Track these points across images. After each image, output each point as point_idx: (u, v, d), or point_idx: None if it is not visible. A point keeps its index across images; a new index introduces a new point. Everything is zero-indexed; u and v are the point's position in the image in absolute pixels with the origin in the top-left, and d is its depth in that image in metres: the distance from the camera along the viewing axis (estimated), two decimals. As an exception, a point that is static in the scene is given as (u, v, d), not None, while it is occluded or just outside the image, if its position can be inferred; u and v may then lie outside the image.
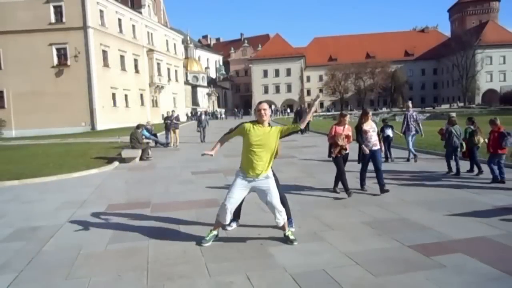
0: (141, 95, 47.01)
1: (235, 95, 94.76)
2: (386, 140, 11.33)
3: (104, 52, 39.20)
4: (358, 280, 3.78)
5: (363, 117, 7.60)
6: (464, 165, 9.42)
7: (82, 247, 5.04)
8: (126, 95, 42.88)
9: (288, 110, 70.84)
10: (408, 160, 11.50)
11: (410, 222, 5.55)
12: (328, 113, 68.44)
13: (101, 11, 38.95)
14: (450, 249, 4.46)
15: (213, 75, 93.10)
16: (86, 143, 21.39)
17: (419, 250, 4.44)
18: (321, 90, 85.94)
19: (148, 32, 49.63)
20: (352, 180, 8.06)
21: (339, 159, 7.32)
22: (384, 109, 67.39)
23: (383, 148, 7.62)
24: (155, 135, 19.18)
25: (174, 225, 5.87)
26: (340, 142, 7.18)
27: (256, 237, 5.13)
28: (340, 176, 7.32)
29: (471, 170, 9.15)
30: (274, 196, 4.76)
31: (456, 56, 72.16)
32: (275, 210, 4.76)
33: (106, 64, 39.27)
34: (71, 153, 16.35)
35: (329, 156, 7.53)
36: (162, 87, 51.53)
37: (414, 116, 11.67)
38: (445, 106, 70.42)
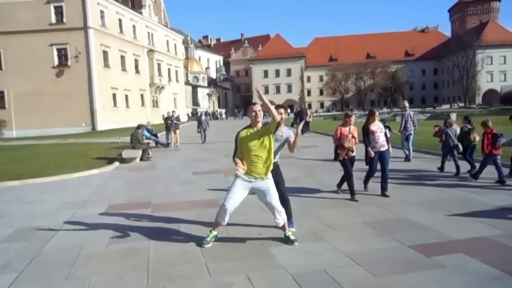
0: (142, 95, 47.04)
1: (236, 95, 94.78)
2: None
3: (105, 52, 39.22)
4: (358, 280, 3.78)
5: (370, 117, 7.38)
6: (465, 165, 9.43)
7: (83, 247, 5.05)
8: (126, 96, 42.91)
9: (289, 111, 70.86)
10: (409, 160, 11.50)
11: (411, 222, 5.56)
12: (328, 114, 68.45)
13: (101, 12, 38.98)
14: (451, 249, 4.46)
15: (213, 75, 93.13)
16: (86, 144, 21.40)
17: (419, 250, 4.44)
18: (321, 90, 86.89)
19: (148, 33, 49.66)
20: (356, 181, 7.95)
21: (347, 161, 7.11)
22: (385, 109, 67.31)
23: (391, 149, 7.39)
24: (155, 135, 19.19)
25: (175, 225, 5.87)
26: (347, 144, 6.97)
27: (257, 237, 5.13)
28: (347, 179, 7.13)
29: (470, 170, 9.14)
30: (274, 197, 4.76)
31: (456, 56, 72.14)
32: (275, 210, 4.76)
33: (106, 65, 39.29)
34: (72, 154, 16.37)
35: (335, 159, 7.30)
36: (163, 87, 51.56)
37: (412, 116, 11.83)
38: (445, 106, 70.39)
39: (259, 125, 4.72)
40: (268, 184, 4.76)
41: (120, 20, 42.63)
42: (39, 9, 35.66)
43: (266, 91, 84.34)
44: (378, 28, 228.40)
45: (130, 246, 5.04)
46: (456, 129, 9.86)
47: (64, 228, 6.00)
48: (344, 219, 5.88)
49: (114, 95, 40.37)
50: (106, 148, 17.79)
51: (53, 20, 36.41)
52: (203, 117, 21.56)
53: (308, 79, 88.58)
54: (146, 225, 5.97)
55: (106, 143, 20.46)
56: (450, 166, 9.84)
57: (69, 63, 36.64)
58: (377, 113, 7.46)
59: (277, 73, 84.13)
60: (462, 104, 69.57)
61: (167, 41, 55.87)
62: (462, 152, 9.32)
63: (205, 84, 79.40)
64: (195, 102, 72.08)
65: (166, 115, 20.60)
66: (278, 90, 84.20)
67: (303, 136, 21.04)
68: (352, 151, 7.06)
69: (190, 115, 59.94)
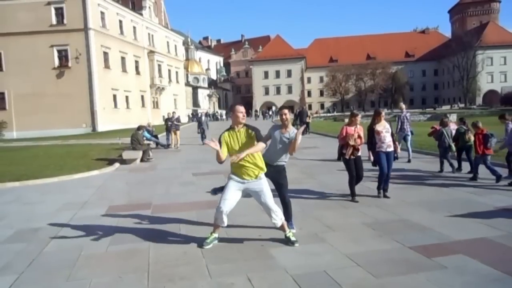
0: (142, 96, 47.08)
1: (236, 96, 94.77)
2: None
3: (105, 53, 39.26)
4: (359, 281, 3.78)
5: (376, 118, 7.19)
6: (465, 166, 9.43)
7: (83, 248, 5.05)
8: (127, 97, 42.94)
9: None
10: (409, 161, 11.49)
11: (411, 223, 5.55)
12: (328, 114, 68.45)
13: (102, 13, 39.03)
14: (451, 250, 4.46)
15: (213, 76, 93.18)
16: (87, 145, 21.41)
17: (420, 251, 4.44)
18: (321, 91, 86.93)
19: (149, 34, 49.71)
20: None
21: (351, 162, 6.92)
22: (385, 110, 67.24)
23: (399, 150, 7.22)
24: (156, 136, 19.20)
25: (175, 226, 5.87)
26: (352, 142, 6.80)
27: (257, 238, 5.13)
28: (349, 179, 7.02)
29: (471, 171, 9.14)
30: (268, 197, 4.76)
31: (456, 57, 72.14)
32: (270, 211, 4.77)
33: (107, 66, 39.33)
34: (72, 155, 16.38)
35: (339, 158, 7.13)
36: (163, 88, 51.59)
37: (408, 117, 11.98)
38: (446, 107, 70.41)
39: (240, 126, 4.70)
40: (262, 185, 4.75)
41: (120, 21, 42.68)
42: (39, 11, 35.71)
43: (267, 92, 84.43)
44: (378, 29, 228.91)
45: (131, 247, 5.04)
46: (452, 129, 10.00)
47: (64, 229, 6.00)
48: (344, 220, 5.88)
49: (114, 96, 40.40)
50: (106, 149, 17.80)
51: (54, 21, 36.46)
52: (203, 118, 21.56)
53: (309, 80, 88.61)
54: (147, 226, 5.98)
55: (106, 144, 20.47)
56: (449, 167, 9.87)
57: (69, 64, 36.67)
58: (383, 113, 7.27)
59: (278, 74, 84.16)
60: (462, 105, 69.54)
61: (168, 42, 55.93)
62: (458, 152, 9.69)
63: (206, 85, 79.45)
64: (195, 103, 72.11)
65: (166, 116, 20.61)
66: (278, 91, 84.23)
67: (303, 137, 21.01)
68: (358, 150, 6.91)
69: (191, 116, 59.96)
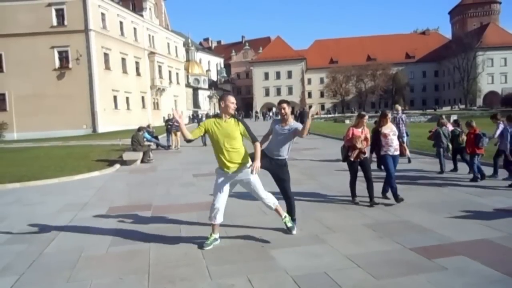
0: (143, 97, 47.12)
1: (236, 97, 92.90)
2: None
3: (106, 55, 39.30)
4: (359, 282, 3.78)
5: (382, 120, 6.95)
6: (465, 167, 9.42)
7: (84, 249, 5.05)
8: (127, 98, 42.98)
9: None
10: (409, 161, 11.49)
11: (411, 225, 5.55)
12: (329, 116, 68.48)
13: (102, 14, 39.08)
14: (452, 251, 4.46)
15: (214, 77, 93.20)
16: (87, 146, 21.42)
17: (420, 253, 4.43)
18: (322, 93, 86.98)
19: (149, 35, 49.76)
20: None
21: (355, 165, 6.76)
22: (396, 113, 67.29)
23: (408, 153, 7.04)
24: (156, 137, 19.21)
25: (175, 227, 5.87)
26: (359, 145, 6.59)
27: (257, 239, 5.13)
28: (350, 181, 6.88)
29: (470, 172, 9.19)
30: (257, 186, 4.80)
31: (457, 58, 72.19)
32: (262, 199, 4.85)
33: (107, 67, 39.37)
34: (73, 156, 16.39)
35: (344, 160, 6.92)
36: (163, 89, 51.63)
37: (403, 119, 11.99)
38: (446, 108, 70.43)
39: (229, 116, 4.72)
40: (249, 174, 4.74)
41: (121, 23, 42.73)
42: (40, 12, 35.76)
43: (267, 93, 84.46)
44: (379, 30, 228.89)
45: (131, 248, 5.04)
46: (449, 129, 10.14)
47: (65, 230, 6.00)
48: (345, 221, 5.88)
49: (115, 97, 40.43)
50: (107, 150, 17.81)
51: (54, 22, 36.51)
52: (203, 119, 21.57)
53: (309, 81, 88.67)
54: (147, 227, 5.97)
55: (107, 145, 20.49)
56: (450, 167, 9.87)
57: (70, 65, 36.71)
58: (389, 115, 7.05)
59: (278, 75, 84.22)
60: (463, 106, 69.58)
61: (168, 43, 55.98)
62: (453, 154, 9.88)
63: (206, 86, 79.48)
64: (196, 104, 72.12)
65: (166, 118, 20.62)
66: (278, 92, 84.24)
67: (304, 138, 21.02)
68: (364, 153, 6.73)
69: (191, 117, 59.97)
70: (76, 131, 34.60)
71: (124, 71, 43.03)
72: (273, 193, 5.22)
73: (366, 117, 6.91)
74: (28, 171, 12.32)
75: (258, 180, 4.86)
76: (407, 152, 7.09)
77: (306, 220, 5.85)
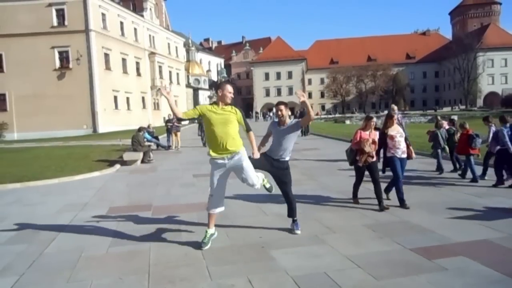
0: (143, 98, 47.13)
1: (237, 98, 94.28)
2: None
3: (106, 55, 39.32)
4: (359, 283, 3.78)
5: (388, 121, 6.73)
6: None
7: (84, 249, 5.05)
8: (127, 98, 42.99)
9: (289, 113, 70.79)
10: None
11: (412, 225, 5.55)
12: (329, 116, 68.44)
13: (103, 14, 39.10)
14: (452, 252, 4.46)
15: (214, 78, 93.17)
16: (87, 146, 21.44)
17: (420, 253, 4.43)
18: (322, 93, 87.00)
19: (149, 35, 49.77)
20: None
21: (362, 168, 6.62)
22: (386, 112, 67.37)
23: (413, 155, 6.85)
24: (156, 138, 19.22)
25: (176, 227, 5.88)
26: (367, 149, 6.39)
27: (258, 240, 5.13)
28: (355, 183, 6.80)
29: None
30: (249, 173, 4.79)
31: (457, 59, 72.15)
32: (253, 185, 4.89)
33: (108, 67, 39.38)
34: (73, 156, 16.39)
35: (351, 164, 6.77)
36: (164, 90, 51.58)
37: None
38: (446, 109, 70.40)
39: (224, 104, 4.73)
40: (242, 161, 4.74)
41: (121, 23, 42.75)
42: (40, 12, 35.78)
43: (267, 94, 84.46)
44: (379, 31, 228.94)
45: (131, 248, 5.04)
46: (445, 129, 10.33)
47: (65, 231, 6.00)
48: (345, 221, 5.88)
49: (115, 98, 40.44)
50: (107, 151, 17.82)
51: (55, 22, 36.52)
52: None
53: (309, 81, 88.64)
54: (147, 227, 5.97)
55: (107, 146, 20.50)
56: (449, 167, 9.87)
57: (70, 65, 36.71)
58: (395, 116, 6.78)
59: (278, 75, 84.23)
60: (463, 107, 69.57)
61: (169, 43, 55.99)
62: (450, 154, 10.07)
63: (206, 86, 79.49)
64: (196, 104, 72.00)
65: (167, 118, 20.63)
66: (279, 92, 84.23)
67: (303, 139, 21.06)
68: (372, 156, 6.51)
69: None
70: (76, 131, 34.61)
71: (125, 71, 43.04)
72: (274, 197, 5.22)
73: (374, 119, 6.72)
74: (28, 171, 12.32)
75: (250, 166, 4.84)
76: (413, 155, 6.91)
77: (306, 221, 5.85)
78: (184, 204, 7.45)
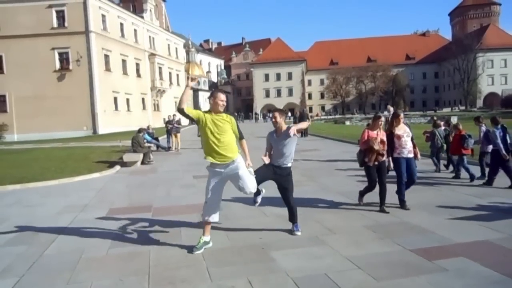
0: (143, 99, 47.13)
1: (237, 99, 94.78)
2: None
3: (106, 56, 39.34)
4: (360, 284, 3.78)
5: (395, 120, 6.57)
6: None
7: (84, 251, 5.05)
8: (127, 99, 42.99)
9: (289, 114, 70.97)
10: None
11: (412, 226, 5.55)
12: (329, 117, 68.47)
13: (103, 16, 39.13)
14: (452, 253, 4.45)
15: (214, 79, 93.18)
16: (87, 147, 21.43)
17: (421, 254, 4.43)
18: (322, 94, 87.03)
19: (149, 37, 49.80)
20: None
21: (373, 170, 6.37)
22: (386, 113, 67.32)
23: (419, 155, 6.75)
24: (156, 139, 19.22)
25: (176, 229, 5.87)
26: (376, 146, 6.20)
27: (258, 241, 5.13)
28: (367, 186, 6.53)
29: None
30: (246, 181, 4.76)
31: (457, 60, 72.23)
32: (247, 193, 4.89)
33: (108, 68, 39.40)
34: (73, 157, 16.39)
35: (362, 165, 6.58)
36: (164, 91, 51.66)
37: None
38: (446, 110, 70.47)
39: (218, 113, 4.73)
40: (238, 169, 4.73)
41: (121, 24, 42.78)
42: (40, 13, 35.80)
43: (267, 95, 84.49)
44: (379, 32, 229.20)
45: (131, 250, 5.04)
46: (443, 129, 10.55)
47: (65, 232, 6.00)
48: (345, 222, 5.87)
49: (115, 99, 40.45)
50: (107, 152, 17.82)
51: (55, 24, 36.55)
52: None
53: (309, 82, 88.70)
54: (147, 229, 5.98)
55: (107, 147, 20.49)
56: (449, 168, 9.90)
57: (70, 67, 36.73)
58: (402, 115, 6.64)
59: (278, 76, 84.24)
60: (463, 108, 69.60)
61: (168, 45, 56.03)
62: (447, 152, 10.27)
63: (206, 87, 79.45)
64: (196, 105, 71.99)
65: (167, 119, 20.63)
66: (279, 93, 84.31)
67: (303, 140, 21.07)
68: (382, 155, 6.31)
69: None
70: (76, 133, 34.61)
71: (125, 72, 43.06)
72: (274, 199, 5.22)
73: (382, 118, 6.57)
74: (28, 172, 12.32)
75: (247, 174, 4.82)
76: (419, 155, 6.80)
77: (306, 222, 5.84)
78: (184, 205, 7.45)
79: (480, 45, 71.61)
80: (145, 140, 15.47)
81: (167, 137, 19.66)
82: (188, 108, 4.72)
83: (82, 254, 4.94)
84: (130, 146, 14.99)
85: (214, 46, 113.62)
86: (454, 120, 26.13)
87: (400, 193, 6.55)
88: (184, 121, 49.04)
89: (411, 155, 6.51)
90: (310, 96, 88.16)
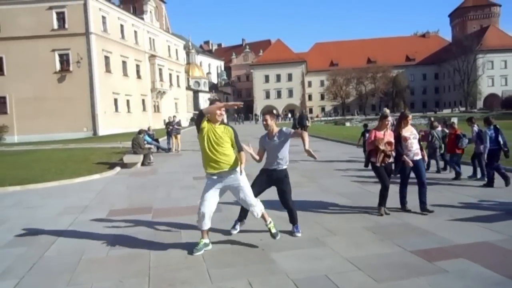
0: (143, 100, 47.15)
1: (237, 100, 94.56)
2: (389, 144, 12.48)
3: (106, 57, 39.36)
4: (360, 285, 3.77)
5: (402, 121, 6.42)
6: (467, 170, 9.42)
7: (84, 252, 5.05)
8: (128, 101, 43.00)
9: (289, 115, 70.99)
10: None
11: (412, 227, 5.54)
12: (329, 118, 68.47)
13: (103, 17, 39.16)
14: (453, 254, 4.45)
15: (214, 80, 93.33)
16: (88, 149, 21.43)
17: (421, 256, 4.43)
18: (322, 95, 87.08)
19: (150, 38, 49.85)
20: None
21: (382, 170, 6.21)
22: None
23: (426, 157, 6.62)
24: (156, 140, 19.22)
25: (176, 230, 5.87)
26: (382, 147, 6.10)
27: (258, 242, 5.12)
28: (381, 189, 6.31)
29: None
30: (247, 193, 4.74)
31: (457, 61, 72.28)
32: (250, 205, 4.78)
33: (108, 70, 39.42)
34: (73, 159, 16.39)
35: (367, 165, 6.49)
36: (164, 92, 51.67)
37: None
38: (446, 111, 70.43)
39: (218, 123, 4.70)
40: (239, 180, 4.72)
41: (121, 26, 42.82)
42: (41, 15, 35.82)
43: (267, 96, 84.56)
44: (379, 33, 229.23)
45: (131, 251, 5.03)
46: (440, 130, 10.65)
47: (65, 234, 6.00)
48: (345, 224, 5.87)
49: (115, 100, 40.46)
50: (107, 153, 17.82)
51: (55, 25, 36.57)
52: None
53: (309, 83, 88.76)
54: (147, 230, 5.97)
55: (107, 148, 20.49)
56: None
57: (71, 68, 36.74)
58: (410, 116, 6.47)
59: (278, 78, 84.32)
60: (463, 109, 69.61)
61: (169, 46, 56.07)
62: (443, 154, 10.44)
63: (206, 89, 79.58)
64: (196, 107, 72.16)
65: (167, 120, 20.64)
66: (279, 95, 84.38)
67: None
68: (389, 156, 6.22)
69: (191, 120, 59.97)
70: (76, 134, 34.63)
71: (125, 74, 43.08)
72: (274, 201, 5.22)
73: (389, 118, 6.43)
74: (28, 174, 12.32)
75: (248, 186, 4.81)
76: (425, 158, 6.74)
77: (307, 223, 5.85)
78: (185, 207, 7.45)
79: (480, 46, 71.64)
80: (145, 142, 15.47)
81: (167, 139, 19.66)
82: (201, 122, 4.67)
83: (82, 255, 4.94)
84: (130, 147, 14.99)
85: (214, 47, 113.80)
86: (455, 121, 26.25)
87: (401, 194, 6.53)
88: (185, 123, 49.19)
89: (417, 158, 6.32)
90: (310, 98, 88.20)
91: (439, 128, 10.59)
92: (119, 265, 4.60)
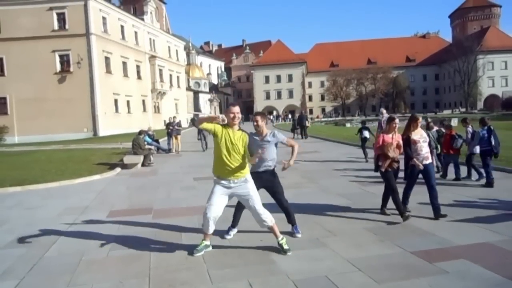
0: (143, 101, 47.17)
1: (237, 101, 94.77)
2: (364, 141, 13.20)
3: (107, 58, 39.39)
4: (360, 286, 3.77)
5: (412, 124, 6.21)
6: (463, 171, 9.41)
7: (84, 253, 5.05)
8: (128, 101, 43.02)
9: (289, 116, 71.02)
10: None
11: (413, 228, 5.54)
12: (330, 119, 68.47)
13: (103, 18, 39.19)
14: (453, 255, 4.45)
15: (215, 81, 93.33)
16: (88, 149, 21.45)
17: (422, 256, 4.43)
18: (322, 96, 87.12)
19: (150, 39, 49.89)
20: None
21: (390, 174, 6.08)
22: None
23: (435, 162, 6.49)
24: (157, 141, 19.22)
25: (176, 231, 5.87)
26: (391, 154, 5.95)
27: (258, 243, 5.12)
28: (392, 195, 6.08)
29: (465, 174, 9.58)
30: (256, 201, 4.70)
31: (457, 62, 72.28)
32: (259, 215, 4.71)
33: (108, 71, 39.44)
34: (73, 159, 16.40)
35: (376, 170, 6.30)
36: (164, 93, 51.70)
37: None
38: (447, 112, 70.44)
39: (236, 127, 4.68)
40: (248, 189, 4.70)
41: (122, 27, 42.85)
42: (41, 16, 35.85)
43: (268, 97, 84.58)
44: (379, 34, 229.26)
45: (132, 252, 5.03)
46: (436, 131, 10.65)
47: (65, 234, 6.00)
48: (346, 225, 5.87)
49: (116, 101, 40.48)
50: (107, 154, 17.83)
51: (56, 26, 36.60)
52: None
53: (309, 84, 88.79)
54: (148, 231, 5.97)
55: (107, 149, 20.50)
56: (451, 171, 9.87)
57: (71, 69, 36.76)
58: (420, 119, 6.29)
59: (278, 78, 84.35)
60: (463, 110, 69.61)
61: (169, 47, 56.11)
62: (438, 155, 10.40)
63: (207, 89, 79.57)
64: (196, 107, 72.18)
65: (167, 121, 20.64)
66: (279, 95, 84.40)
67: (303, 142, 21.07)
68: (398, 161, 6.10)
69: (192, 121, 59.96)
70: (77, 135, 34.65)
71: (125, 74, 43.10)
72: (274, 203, 5.23)
73: (397, 120, 6.21)
74: (29, 174, 12.33)
75: (257, 195, 4.77)
76: (434, 161, 6.75)
77: (307, 224, 5.84)
78: (185, 207, 7.45)
79: (481, 47, 71.64)
80: (145, 142, 15.47)
81: (168, 139, 19.66)
82: (204, 124, 4.63)
83: (83, 256, 4.94)
84: (131, 148, 14.99)
85: (215, 48, 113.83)
86: (455, 122, 26.20)
87: (405, 196, 6.47)
88: (185, 124, 49.18)
89: (426, 161, 6.11)
90: (310, 98, 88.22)
91: (435, 129, 10.48)
92: (119, 266, 4.60)
